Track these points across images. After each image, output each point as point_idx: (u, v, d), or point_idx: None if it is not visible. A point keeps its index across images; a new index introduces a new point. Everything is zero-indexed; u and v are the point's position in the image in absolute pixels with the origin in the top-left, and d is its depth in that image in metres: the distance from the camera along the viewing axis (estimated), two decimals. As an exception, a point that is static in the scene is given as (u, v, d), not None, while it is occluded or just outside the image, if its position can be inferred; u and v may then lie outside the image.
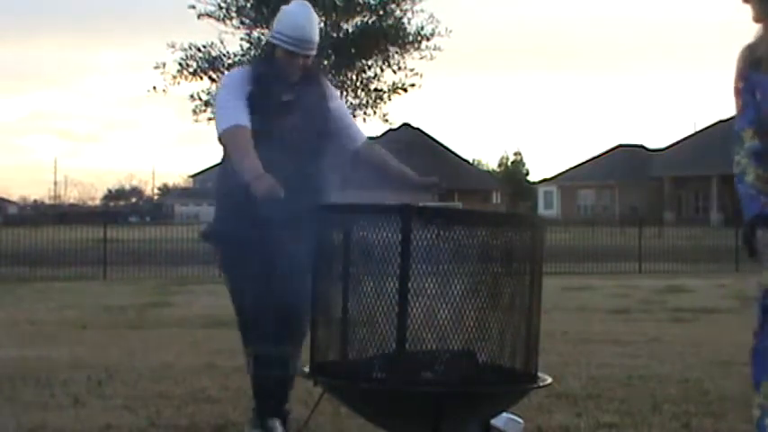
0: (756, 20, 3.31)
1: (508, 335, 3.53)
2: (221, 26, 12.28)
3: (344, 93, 12.75)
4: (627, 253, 25.29)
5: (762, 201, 3.21)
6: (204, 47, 12.37)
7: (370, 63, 12.58)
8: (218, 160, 4.65)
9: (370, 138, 5.13)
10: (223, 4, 12.20)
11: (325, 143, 4.58)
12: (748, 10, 3.32)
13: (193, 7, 12.34)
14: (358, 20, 12.45)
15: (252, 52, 12.53)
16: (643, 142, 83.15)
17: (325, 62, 12.48)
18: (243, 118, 4.35)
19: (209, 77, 12.40)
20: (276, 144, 4.33)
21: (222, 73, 12.67)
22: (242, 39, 12.33)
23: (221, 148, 4.52)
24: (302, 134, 4.47)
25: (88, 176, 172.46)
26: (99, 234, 22.20)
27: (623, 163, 68.34)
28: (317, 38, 4.57)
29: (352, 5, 12.30)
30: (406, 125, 63.84)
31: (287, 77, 4.55)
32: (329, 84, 4.79)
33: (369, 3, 12.37)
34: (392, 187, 4.77)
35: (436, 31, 12.59)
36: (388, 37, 12.35)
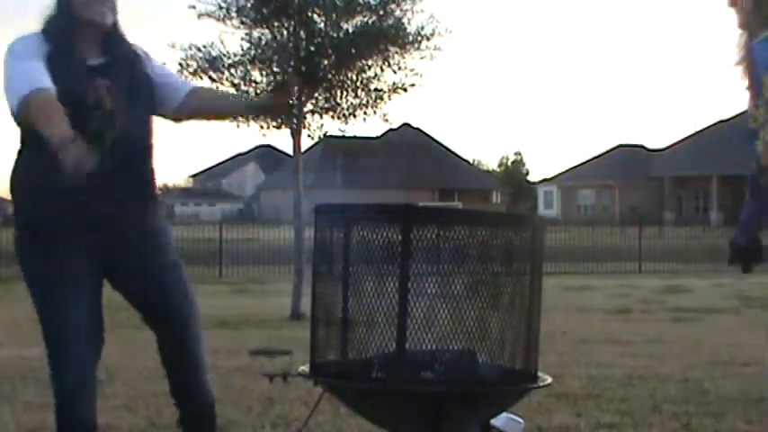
0: (741, 26, 3.31)
1: (508, 335, 3.53)
2: (221, 26, 12.25)
3: (344, 93, 12.71)
4: (627, 253, 25.31)
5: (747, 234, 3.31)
6: (204, 47, 12.33)
7: (370, 63, 12.51)
8: (16, 152, 3.83)
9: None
10: (223, 4, 12.15)
11: (148, 109, 3.89)
12: (733, 14, 3.31)
13: (193, 7, 12.30)
14: (358, 20, 12.39)
15: (252, 52, 12.47)
16: (643, 142, 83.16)
17: (326, 62, 12.44)
18: (44, 80, 3.56)
19: (210, 77, 12.37)
20: (87, 117, 3.63)
21: (222, 73, 12.63)
22: (242, 39, 12.31)
23: (19, 130, 3.77)
24: (120, 103, 3.73)
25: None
26: (99, 234, 22.15)
27: (623, 163, 68.35)
28: None
29: (352, 5, 12.25)
30: (406, 125, 63.85)
31: (90, 36, 3.79)
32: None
33: (369, 3, 12.32)
34: (233, 114, 4.36)
35: (436, 31, 12.53)
36: (388, 37, 12.30)
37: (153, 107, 3.88)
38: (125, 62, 3.82)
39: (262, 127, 12.88)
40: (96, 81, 3.68)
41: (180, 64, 12.31)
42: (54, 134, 3.34)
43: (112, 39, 3.82)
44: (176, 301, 3.92)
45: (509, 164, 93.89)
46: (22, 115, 3.58)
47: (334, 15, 12.27)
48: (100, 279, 3.78)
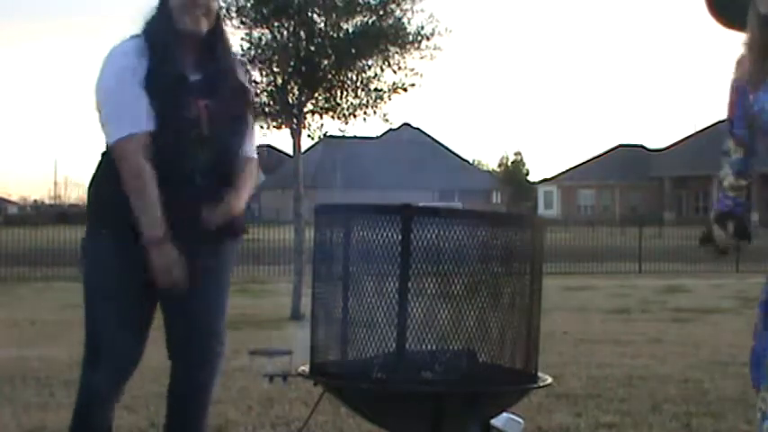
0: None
1: (508, 335, 3.53)
2: (221, 26, 12.31)
3: (344, 93, 12.70)
4: (627, 253, 25.30)
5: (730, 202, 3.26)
6: (204, 47, 12.39)
7: (370, 63, 12.51)
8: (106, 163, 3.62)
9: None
10: (223, 4, 12.16)
11: (244, 139, 3.70)
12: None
13: (193, 7, 12.36)
14: (358, 20, 12.39)
15: (252, 52, 12.47)
16: (643, 142, 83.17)
17: (326, 62, 12.44)
18: (142, 120, 3.44)
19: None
20: (181, 147, 3.49)
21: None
22: (242, 39, 12.31)
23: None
24: (216, 125, 3.56)
25: (88, 177, 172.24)
26: (99, 234, 22.17)
27: (623, 163, 68.39)
28: None
29: (352, 5, 12.24)
30: (406, 125, 63.88)
31: (192, 43, 3.56)
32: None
33: (369, 3, 12.31)
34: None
35: (436, 30, 12.53)
36: (388, 37, 12.29)
37: (246, 127, 3.69)
38: (224, 77, 3.60)
39: (262, 127, 12.87)
40: (196, 101, 3.50)
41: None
42: (142, 224, 3.40)
43: (210, 49, 3.59)
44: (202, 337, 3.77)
45: (509, 164, 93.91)
46: (115, 156, 3.50)
47: (334, 15, 12.26)
48: (153, 298, 3.67)
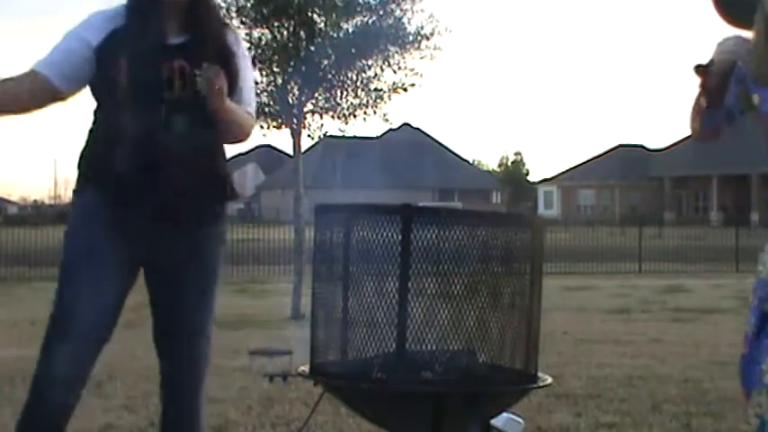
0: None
1: (508, 335, 3.53)
2: (221, 26, 12.32)
3: (344, 93, 12.70)
4: (627, 253, 25.31)
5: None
6: (204, 47, 12.40)
7: (370, 63, 12.51)
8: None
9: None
10: (223, 4, 12.15)
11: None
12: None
13: (193, 7, 12.36)
14: (358, 20, 12.39)
15: (252, 52, 12.47)
16: (643, 142, 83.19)
17: (326, 62, 12.44)
18: (52, 66, 3.43)
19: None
20: (157, 112, 3.40)
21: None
22: (242, 39, 12.32)
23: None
24: (194, 89, 3.40)
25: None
26: (99, 234, 22.14)
27: (623, 163, 68.41)
28: None
29: (352, 5, 12.24)
30: (406, 125, 63.88)
31: (174, 7, 3.49)
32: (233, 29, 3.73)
33: (369, 3, 12.32)
34: None
35: (436, 30, 12.55)
36: (388, 37, 12.30)
37: (231, 92, 3.49)
38: (210, 43, 3.49)
39: (262, 127, 12.88)
40: (170, 62, 3.39)
41: (180, 64, 12.31)
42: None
43: (197, 14, 3.51)
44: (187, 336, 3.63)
45: (509, 164, 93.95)
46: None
47: (334, 15, 12.26)
48: (131, 277, 3.56)
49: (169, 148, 3.38)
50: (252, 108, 3.65)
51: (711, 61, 2.98)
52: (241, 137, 3.61)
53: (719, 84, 2.96)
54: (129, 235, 3.44)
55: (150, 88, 3.37)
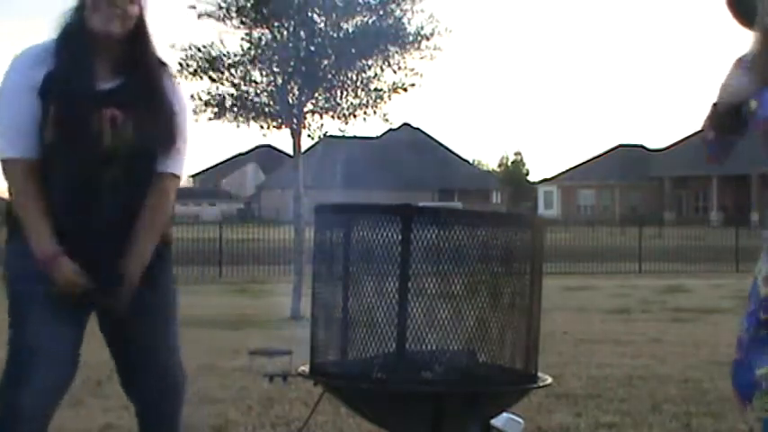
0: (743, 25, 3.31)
1: (508, 335, 3.53)
2: (221, 26, 12.26)
3: (344, 93, 12.71)
4: (627, 253, 25.32)
5: None
6: (204, 47, 12.35)
7: (370, 63, 12.51)
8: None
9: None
10: (223, 4, 12.16)
11: (162, 155, 3.31)
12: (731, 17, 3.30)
13: (193, 7, 12.31)
14: (358, 20, 12.39)
15: (252, 52, 12.47)
16: (643, 142, 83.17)
17: (326, 62, 12.44)
18: (31, 146, 3.18)
19: (210, 77, 12.38)
20: (87, 167, 3.19)
21: (222, 73, 12.61)
22: (242, 39, 12.30)
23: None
24: (126, 138, 3.20)
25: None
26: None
27: (623, 163, 68.40)
28: None
29: (352, 5, 12.24)
30: (406, 125, 63.87)
31: (106, 47, 3.22)
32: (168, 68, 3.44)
33: (369, 3, 12.32)
34: None
35: (436, 30, 12.54)
36: (388, 37, 12.30)
37: (166, 143, 3.29)
38: (142, 87, 3.26)
39: (262, 127, 12.88)
40: (101, 111, 3.17)
41: (180, 64, 12.31)
42: (37, 250, 3.17)
43: (131, 54, 3.26)
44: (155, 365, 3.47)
45: (509, 164, 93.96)
46: (3, 173, 3.28)
47: (334, 15, 12.26)
48: (86, 315, 3.40)
49: (102, 203, 3.22)
50: (179, 166, 3.39)
51: (717, 103, 3.20)
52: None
53: (723, 122, 3.19)
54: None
55: (80, 139, 3.17)
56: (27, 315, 3.26)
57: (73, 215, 3.23)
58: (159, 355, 3.44)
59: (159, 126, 3.25)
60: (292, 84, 12.43)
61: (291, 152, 13.23)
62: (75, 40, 3.21)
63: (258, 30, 12.43)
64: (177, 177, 3.42)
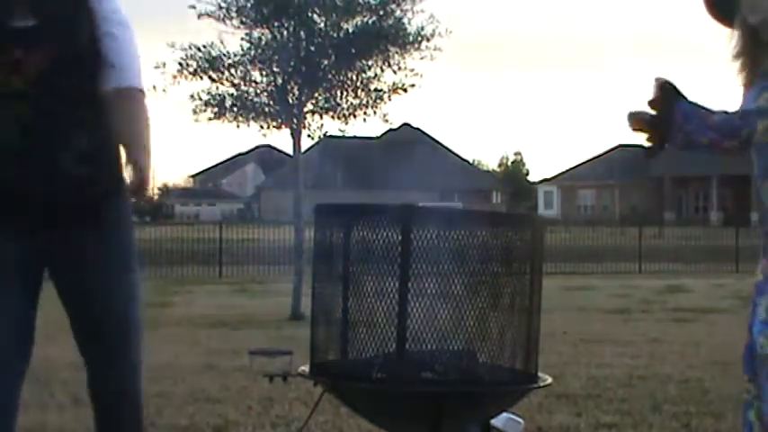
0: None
1: (508, 335, 3.53)
2: (221, 26, 12.27)
3: (344, 93, 12.71)
4: (627, 253, 25.32)
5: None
6: (204, 47, 12.37)
7: (370, 63, 12.52)
8: None
9: None
10: (223, 4, 12.17)
11: (84, 84, 3.08)
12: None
13: (193, 7, 12.33)
14: (358, 20, 12.40)
15: (252, 52, 12.48)
16: (643, 142, 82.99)
17: (326, 62, 12.45)
18: None
19: (210, 77, 12.40)
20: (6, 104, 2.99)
21: (222, 73, 12.62)
22: (242, 39, 12.33)
23: None
24: (39, 80, 3.00)
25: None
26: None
27: (623, 163, 68.35)
28: None
29: (352, 5, 12.25)
30: (406, 125, 63.85)
31: None
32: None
33: (369, 3, 12.33)
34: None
35: (436, 31, 12.55)
36: (388, 37, 12.31)
37: (93, 82, 3.08)
38: (60, 23, 3.04)
39: (262, 127, 12.88)
40: (12, 51, 2.96)
41: (180, 64, 12.31)
42: None
43: None
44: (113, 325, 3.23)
45: (509, 164, 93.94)
46: None
47: (334, 15, 12.27)
48: (31, 277, 3.15)
49: (21, 148, 2.98)
50: (138, 79, 3.18)
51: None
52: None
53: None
54: (15, 238, 3.05)
55: None
56: None
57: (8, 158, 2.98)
58: (114, 311, 3.19)
59: (77, 63, 3.04)
60: (292, 84, 12.43)
61: (291, 152, 13.23)
62: None
63: (258, 30, 12.44)
64: (143, 92, 3.21)
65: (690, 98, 3.04)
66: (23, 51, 2.97)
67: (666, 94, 3.03)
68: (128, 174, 3.11)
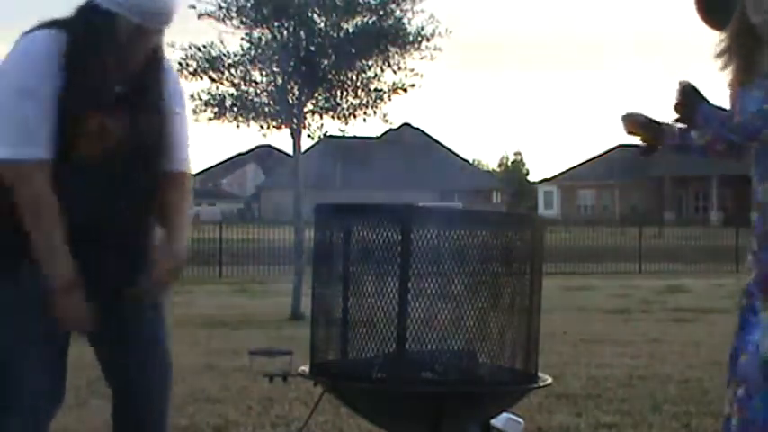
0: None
1: (508, 335, 3.53)
2: (221, 26, 12.29)
3: (344, 93, 12.72)
4: (627, 253, 25.33)
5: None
6: (204, 47, 12.39)
7: (370, 63, 12.53)
8: None
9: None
10: (223, 4, 12.18)
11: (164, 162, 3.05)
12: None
13: (193, 7, 12.34)
14: (358, 20, 12.41)
15: (252, 52, 12.49)
16: (638, 143, 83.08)
17: (326, 62, 12.46)
18: (38, 142, 2.80)
19: (210, 77, 12.42)
20: (99, 169, 2.90)
21: (222, 73, 12.62)
22: (242, 39, 12.35)
23: None
24: (140, 149, 2.96)
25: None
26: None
27: (623, 163, 68.35)
28: (178, 6, 3.01)
29: (352, 5, 12.26)
30: (406, 125, 63.84)
31: (126, 63, 2.93)
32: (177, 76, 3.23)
33: (369, 3, 12.34)
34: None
35: (436, 31, 12.56)
36: (388, 37, 12.33)
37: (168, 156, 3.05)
38: (153, 93, 3.01)
39: (262, 127, 12.89)
40: (115, 113, 2.91)
41: (180, 64, 12.31)
42: (54, 276, 2.83)
43: (152, 63, 3.01)
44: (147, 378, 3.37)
45: (509, 164, 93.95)
46: (10, 179, 2.83)
47: (334, 15, 12.28)
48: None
49: (113, 220, 2.95)
50: (186, 163, 3.15)
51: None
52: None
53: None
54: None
55: (95, 142, 2.90)
56: (17, 356, 2.97)
57: (87, 225, 2.90)
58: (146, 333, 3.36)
59: (166, 127, 3.03)
60: (292, 84, 12.44)
61: (291, 152, 13.24)
62: (94, 44, 2.88)
63: (258, 30, 12.44)
64: (186, 174, 3.19)
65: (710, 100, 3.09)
66: (124, 114, 2.94)
67: (689, 98, 3.06)
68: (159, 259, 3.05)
